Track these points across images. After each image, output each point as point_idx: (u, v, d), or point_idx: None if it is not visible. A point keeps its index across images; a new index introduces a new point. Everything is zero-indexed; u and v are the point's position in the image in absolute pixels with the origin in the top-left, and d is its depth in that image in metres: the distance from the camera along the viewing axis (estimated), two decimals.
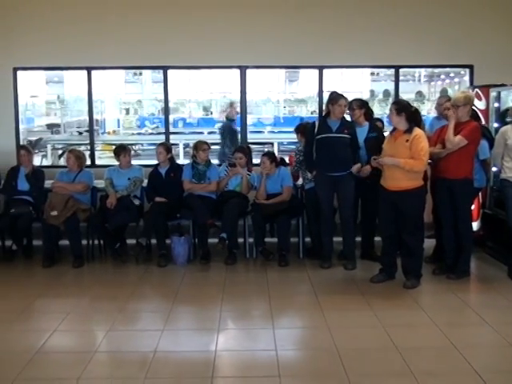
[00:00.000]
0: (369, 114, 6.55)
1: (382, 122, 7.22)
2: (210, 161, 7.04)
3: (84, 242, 6.77)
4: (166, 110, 8.37)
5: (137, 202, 6.86)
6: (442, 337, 4.46)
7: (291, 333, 4.78)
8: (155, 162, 7.16)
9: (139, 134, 17.93)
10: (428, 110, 16.59)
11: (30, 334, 4.76)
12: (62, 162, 11.64)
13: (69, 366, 4.10)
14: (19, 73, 7.89)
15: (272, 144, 13.92)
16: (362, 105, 6.48)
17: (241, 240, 6.88)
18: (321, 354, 4.27)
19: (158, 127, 17.46)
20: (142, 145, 15.57)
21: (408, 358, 4.05)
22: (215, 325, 4.78)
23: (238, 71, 7.98)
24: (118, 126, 18.68)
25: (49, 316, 5.25)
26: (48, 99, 20.00)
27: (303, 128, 6.71)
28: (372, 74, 18.00)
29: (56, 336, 4.64)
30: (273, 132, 16.80)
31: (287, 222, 6.59)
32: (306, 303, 5.41)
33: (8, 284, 6.12)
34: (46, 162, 12.00)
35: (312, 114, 17.99)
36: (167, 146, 7.11)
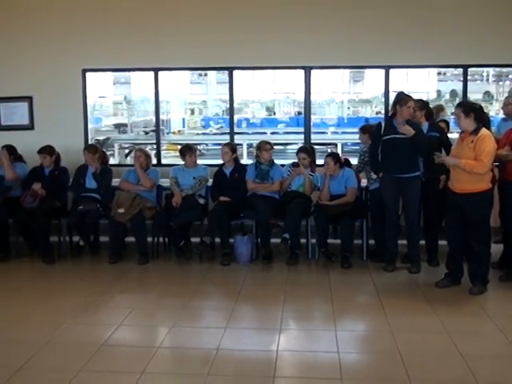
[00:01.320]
0: (429, 114, 6.44)
1: (447, 123, 7.08)
2: (273, 161, 7.05)
3: (149, 239, 6.90)
4: (231, 111, 8.42)
5: (201, 200, 6.94)
6: (508, 345, 4.33)
7: (354, 335, 4.73)
8: (219, 161, 7.23)
9: (204, 134, 18.10)
10: (496, 111, 16.10)
11: (96, 327, 4.88)
12: (129, 160, 11.91)
13: (133, 359, 4.18)
14: (88, 74, 8.10)
15: (335, 145, 13.82)
16: (423, 106, 6.38)
17: (303, 241, 6.86)
18: (383, 358, 4.20)
19: (222, 127, 17.61)
20: (206, 145, 15.72)
21: (472, 365, 3.94)
22: (277, 325, 4.78)
23: (302, 72, 7.96)
24: (183, 126, 18.93)
25: (114, 311, 5.39)
26: (115, 100, 20.47)
27: (369, 129, 6.63)
28: (438, 73, 17.63)
29: (121, 330, 4.74)
30: (336, 133, 16.66)
31: (351, 223, 6.52)
32: (368, 306, 5.35)
33: (75, 279, 6.30)
34: (113, 161, 12.28)
35: (377, 114, 17.77)
36: (232, 146, 7.17)
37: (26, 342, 4.44)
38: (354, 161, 7.15)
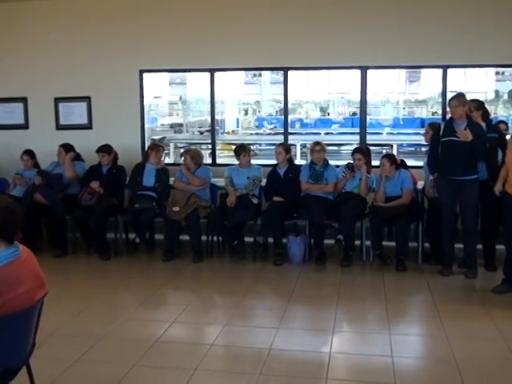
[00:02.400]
0: (486, 115, 6.28)
1: (506, 124, 6.90)
2: (327, 161, 7.01)
3: (203, 238, 6.96)
4: (286, 111, 8.39)
5: (255, 200, 6.96)
6: None
7: (408, 340, 4.66)
8: (273, 161, 7.23)
9: (257, 134, 18.17)
10: None
11: (151, 323, 4.96)
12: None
13: (186, 356, 4.22)
14: (145, 75, 8.23)
15: (391, 146, 13.63)
16: (480, 106, 6.23)
17: (357, 242, 6.81)
18: (438, 364, 4.12)
19: (275, 127, 17.63)
20: (259, 145, 15.76)
21: None
22: (330, 326, 4.75)
23: (358, 72, 7.88)
24: (237, 126, 19.05)
25: (169, 307, 5.49)
26: (171, 100, 20.76)
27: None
28: (497, 73, 17.21)
29: (175, 327, 4.80)
30: (392, 133, 16.45)
31: (406, 225, 6.42)
32: (423, 310, 5.27)
33: (130, 275, 6.42)
34: (168, 160, 12.45)
35: (433, 115, 17.46)
36: (286, 147, 7.17)
37: (83, 336, 4.55)
38: (409, 162, 7.03)
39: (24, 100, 8.42)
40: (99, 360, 4.12)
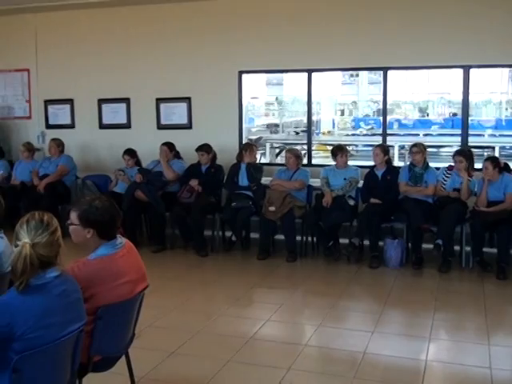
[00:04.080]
0: None
1: None
2: (427, 163, 6.84)
3: (298, 237, 6.97)
4: (384, 111, 8.25)
5: (351, 202, 6.90)
6: None
7: (508, 352, 4.44)
8: (369, 163, 7.13)
9: (353, 134, 17.96)
10: None
11: (245, 320, 5.04)
12: (279, 160, 12.11)
13: (280, 355, 4.24)
14: (244, 76, 8.33)
15: (493, 148, 13.09)
16: None
17: (457, 248, 6.58)
18: None
19: (372, 128, 17.38)
20: (356, 146, 15.57)
21: None
22: (426, 333, 4.63)
23: (459, 71, 7.62)
24: (333, 127, 18.93)
25: (263, 305, 5.53)
26: (267, 100, 20.90)
27: None
28: None
29: (269, 325, 4.84)
30: (494, 135, 15.79)
31: (509, 231, 6.14)
32: None
33: (226, 272, 6.54)
34: (263, 160, 12.56)
35: None
36: (385, 148, 7.05)
37: (179, 329, 4.68)
38: None
39: (127, 100, 8.77)
40: (194, 354, 4.22)
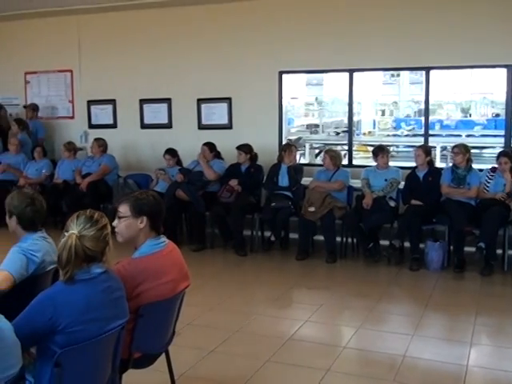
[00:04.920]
0: None
1: None
2: (471, 165, 6.72)
3: (338, 238, 6.94)
4: (426, 112, 8.14)
5: (392, 203, 6.83)
6: None
7: None
8: (410, 164, 7.05)
9: (394, 135, 17.77)
10: None
11: (284, 320, 5.05)
12: (319, 160, 12.06)
13: (319, 356, 4.23)
14: (284, 76, 8.32)
15: None
16: None
17: (499, 251, 6.46)
18: None
19: (413, 129, 17.16)
20: (397, 146, 15.40)
21: None
22: (468, 337, 4.55)
23: (504, 70, 7.46)
24: (374, 127, 18.76)
25: (301, 306, 5.54)
26: (307, 101, 20.83)
27: None
28: None
29: (308, 326, 4.83)
30: None
31: None
32: None
33: (265, 272, 6.56)
34: (303, 161, 12.53)
35: None
36: (426, 149, 6.97)
37: (219, 328, 4.71)
38: None
39: (168, 101, 8.86)
40: (234, 353, 4.24)
